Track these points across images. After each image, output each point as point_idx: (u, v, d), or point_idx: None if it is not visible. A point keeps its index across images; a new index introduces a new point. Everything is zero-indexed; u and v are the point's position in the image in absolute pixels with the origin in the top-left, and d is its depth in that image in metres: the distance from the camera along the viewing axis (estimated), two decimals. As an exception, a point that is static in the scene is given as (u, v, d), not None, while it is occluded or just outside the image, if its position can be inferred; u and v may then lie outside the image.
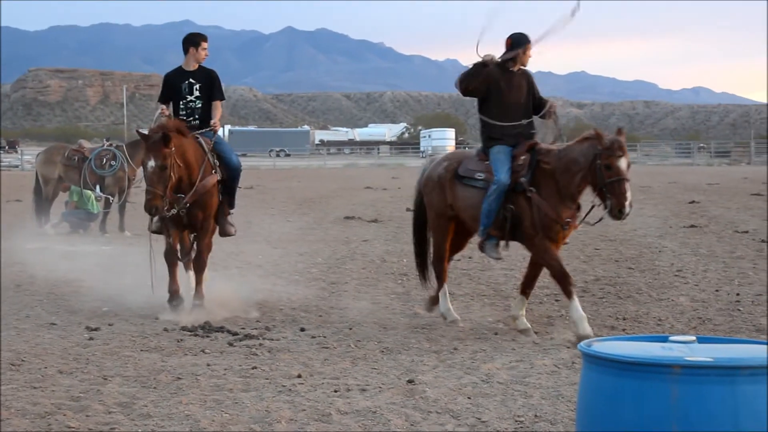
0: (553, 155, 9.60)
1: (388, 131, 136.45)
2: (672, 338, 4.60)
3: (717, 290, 11.78)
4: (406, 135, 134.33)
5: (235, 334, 9.32)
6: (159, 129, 10.11)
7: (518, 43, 9.88)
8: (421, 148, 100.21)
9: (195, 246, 10.82)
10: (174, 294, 10.46)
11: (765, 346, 4.70)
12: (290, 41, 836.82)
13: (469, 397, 7.11)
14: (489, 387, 7.41)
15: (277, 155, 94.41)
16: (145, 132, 10.27)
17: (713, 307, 10.72)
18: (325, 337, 9.31)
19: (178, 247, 10.75)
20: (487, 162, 9.80)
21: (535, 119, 10.06)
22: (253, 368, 8.00)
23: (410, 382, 7.52)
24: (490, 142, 9.85)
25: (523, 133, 9.82)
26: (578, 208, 9.64)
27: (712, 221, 20.78)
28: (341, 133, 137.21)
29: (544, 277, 10.19)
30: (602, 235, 18.45)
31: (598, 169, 9.13)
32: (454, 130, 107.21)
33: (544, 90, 10.47)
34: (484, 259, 15.03)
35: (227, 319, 9.96)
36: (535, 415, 6.66)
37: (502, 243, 9.79)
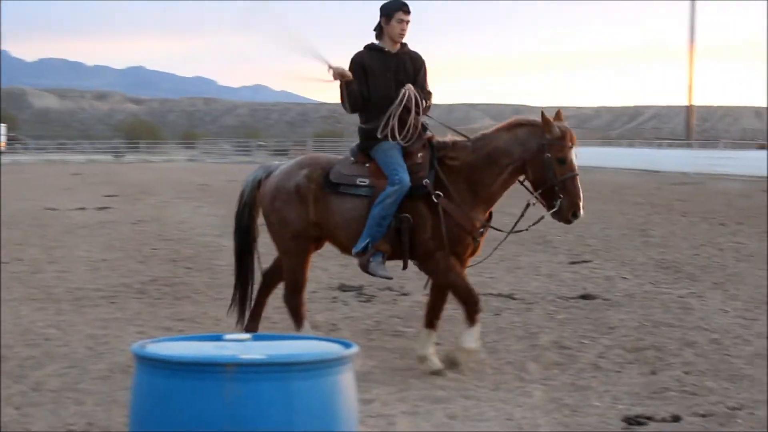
0: (463, 148, 8.09)
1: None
2: (226, 337, 4.65)
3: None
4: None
5: None
6: None
7: (383, 11, 8.17)
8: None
9: None
10: None
11: (317, 342, 4.87)
12: None
13: (17, 408, 6.84)
14: (39, 396, 7.17)
15: None
16: None
17: (270, 305, 10.97)
18: None
19: None
20: (368, 164, 8.14)
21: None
22: None
23: (-50, 395, 7.13)
24: (372, 141, 8.15)
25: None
26: (489, 215, 8.23)
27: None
28: None
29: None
30: (160, 234, 18.49)
31: (547, 164, 7.80)
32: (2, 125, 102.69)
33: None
34: (36, 261, 14.60)
35: None
36: (88, 422, 6.53)
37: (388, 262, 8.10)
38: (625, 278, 13.01)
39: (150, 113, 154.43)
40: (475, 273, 13.47)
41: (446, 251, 7.93)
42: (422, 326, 8.32)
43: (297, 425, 4.17)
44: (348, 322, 10.13)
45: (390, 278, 8.37)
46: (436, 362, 8.06)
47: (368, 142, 8.19)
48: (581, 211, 7.81)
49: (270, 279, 8.95)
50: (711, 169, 44.20)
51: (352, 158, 8.27)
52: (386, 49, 8.20)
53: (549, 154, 7.78)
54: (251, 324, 8.81)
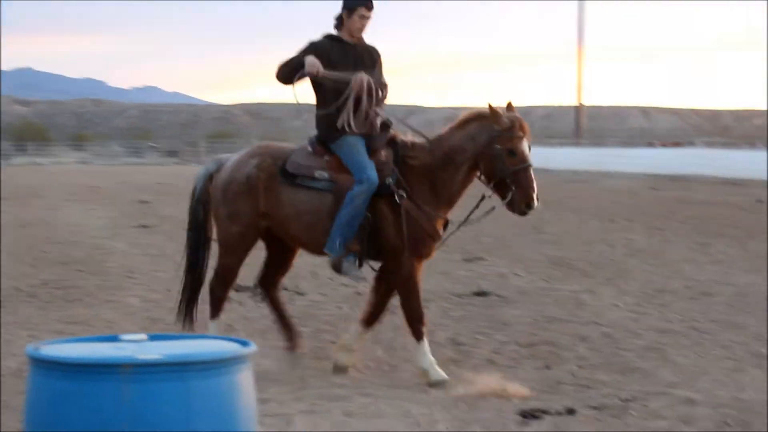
0: (421, 148, 7.85)
1: None
2: (122, 337, 4.60)
3: (168, 290, 11.98)
4: None
5: None
6: None
7: (346, 4, 7.97)
8: None
9: None
10: None
11: (215, 341, 4.85)
12: None
13: None
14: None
15: None
16: None
17: (164, 306, 10.89)
18: None
19: None
20: (328, 157, 7.89)
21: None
22: None
23: None
24: (336, 132, 7.86)
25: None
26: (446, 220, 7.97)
27: (164, 221, 21.17)
28: None
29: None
30: (50, 237, 18.20)
31: (498, 156, 7.53)
32: None
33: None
34: None
35: None
36: (-21, 429, 6.41)
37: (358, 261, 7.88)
38: (518, 275, 13.18)
39: (38, 115, 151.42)
40: (370, 272, 13.52)
41: (411, 254, 7.75)
42: (358, 321, 8.21)
43: (195, 424, 4.15)
44: (244, 323, 10.09)
45: (363, 279, 8.14)
46: (347, 359, 8.04)
47: (330, 135, 7.90)
48: (535, 203, 7.51)
49: (269, 283, 8.69)
50: (600, 167, 45.00)
51: (310, 149, 8.01)
52: (345, 40, 8.00)
53: (498, 146, 7.52)
54: (287, 332, 8.53)
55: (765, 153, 45.94)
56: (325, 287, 12.23)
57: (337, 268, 7.87)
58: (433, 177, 7.76)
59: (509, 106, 7.73)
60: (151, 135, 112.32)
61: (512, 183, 7.49)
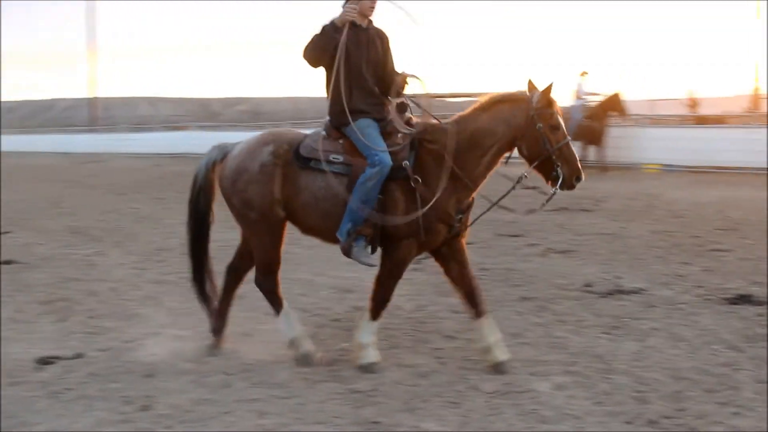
0: (442, 131, 6.25)
1: None
2: None
3: None
4: None
5: None
6: None
7: None
8: None
9: None
10: None
11: None
12: None
13: None
14: None
15: None
16: None
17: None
18: None
19: None
20: (342, 141, 6.31)
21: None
22: None
23: None
24: (350, 115, 6.21)
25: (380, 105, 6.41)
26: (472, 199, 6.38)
27: None
28: None
29: None
30: None
31: (541, 134, 6.11)
32: None
33: None
34: None
35: None
36: None
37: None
38: (40, 244, 12.65)
39: None
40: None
41: (414, 240, 6.23)
42: (472, 318, 6.47)
43: None
44: None
45: (373, 265, 6.34)
46: (503, 352, 6.36)
47: (342, 119, 6.31)
48: (583, 174, 6.21)
49: (236, 272, 6.95)
50: (113, 149, 44.03)
51: (324, 133, 6.44)
52: (358, 23, 6.43)
53: (541, 124, 6.15)
54: (219, 323, 6.87)
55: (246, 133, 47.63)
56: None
57: (347, 252, 6.31)
58: (455, 160, 6.24)
59: (532, 85, 6.30)
60: None
61: (559, 159, 6.17)
